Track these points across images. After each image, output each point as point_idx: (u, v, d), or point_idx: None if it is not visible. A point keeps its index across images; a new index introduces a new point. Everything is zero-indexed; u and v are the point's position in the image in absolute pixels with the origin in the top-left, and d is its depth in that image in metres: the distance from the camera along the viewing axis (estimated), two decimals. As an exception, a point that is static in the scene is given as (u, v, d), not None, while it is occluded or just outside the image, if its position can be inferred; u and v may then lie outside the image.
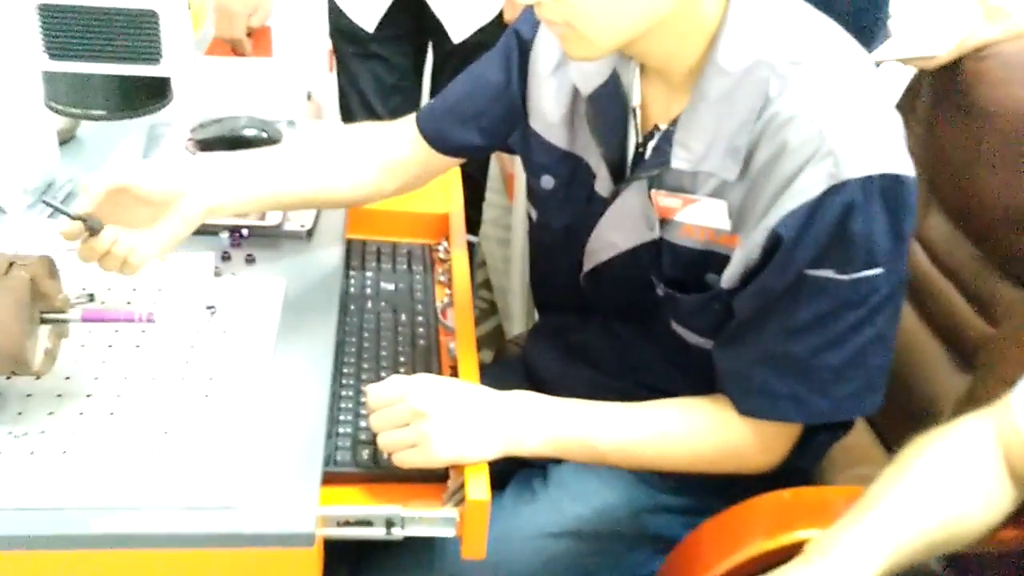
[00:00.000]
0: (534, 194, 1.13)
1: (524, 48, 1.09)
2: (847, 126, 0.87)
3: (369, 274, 1.25)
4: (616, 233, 1.04)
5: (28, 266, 0.80)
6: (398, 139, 1.15)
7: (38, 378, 0.85)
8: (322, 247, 1.20)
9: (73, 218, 0.83)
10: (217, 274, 1.10)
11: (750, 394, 0.96)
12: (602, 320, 1.14)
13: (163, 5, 0.65)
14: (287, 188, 1.08)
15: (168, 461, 0.82)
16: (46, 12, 0.64)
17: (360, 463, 0.93)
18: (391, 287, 1.23)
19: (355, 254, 1.27)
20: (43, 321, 0.82)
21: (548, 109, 1.07)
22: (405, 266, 1.28)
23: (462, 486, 0.93)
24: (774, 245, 0.89)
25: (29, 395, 0.88)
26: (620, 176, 1.02)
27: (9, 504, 0.77)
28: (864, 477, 1.19)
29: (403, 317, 1.17)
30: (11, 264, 0.80)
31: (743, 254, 0.93)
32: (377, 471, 0.94)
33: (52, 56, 0.66)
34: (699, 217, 0.96)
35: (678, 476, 1.08)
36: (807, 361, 0.92)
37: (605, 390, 1.02)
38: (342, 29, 1.93)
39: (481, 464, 0.92)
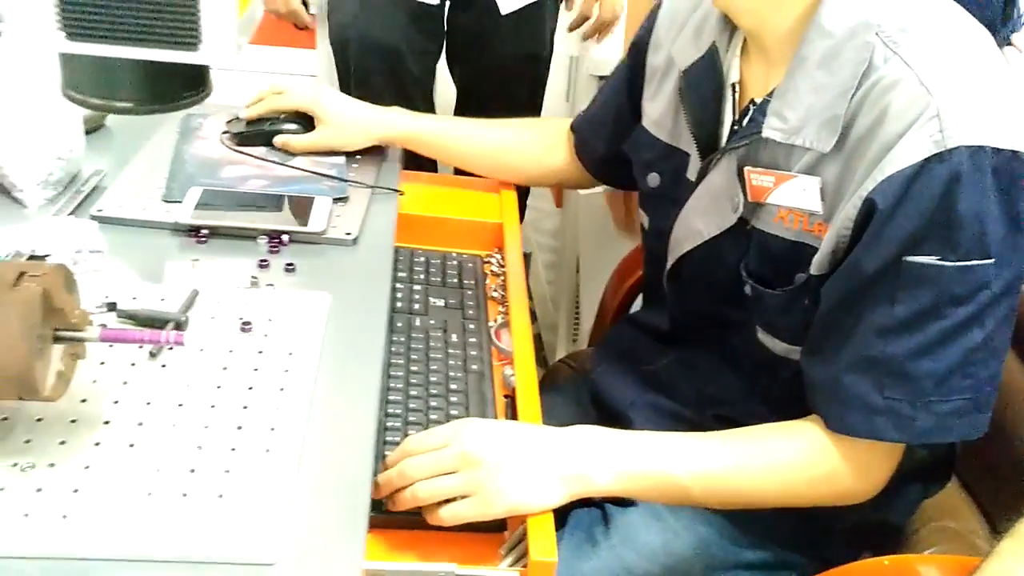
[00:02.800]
0: (644, 198, 1.10)
1: (640, 48, 1.11)
2: (958, 90, 0.78)
3: (417, 287, 1.14)
4: (700, 219, 0.97)
5: (41, 277, 0.70)
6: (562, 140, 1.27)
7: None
8: (369, 256, 1.09)
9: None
10: (253, 284, 1.00)
11: (842, 408, 0.84)
12: (681, 350, 1.06)
13: (206, -22, 0.54)
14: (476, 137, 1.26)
15: (194, 506, 0.71)
16: (66, -19, 0.53)
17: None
18: (440, 303, 1.12)
19: (402, 264, 1.16)
20: (56, 340, 0.72)
21: (656, 103, 1.06)
22: (455, 279, 1.18)
23: (522, 538, 0.82)
24: (867, 215, 0.80)
25: (39, 419, 0.77)
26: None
27: (8, 551, 0.67)
28: (950, 531, 1.08)
29: (454, 337, 1.06)
30: (21, 274, 0.70)
31: (834, 231, 0.83)
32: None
33: (70, 36, 0.56)
34: (792, 198, 0.87)
35: (758, 529, 0.98)
36: (905, 366, 0.81)
37: (682, 422, 0.92)
38: None
39: (545, 516, 0.81)
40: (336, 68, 1.77)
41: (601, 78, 1.68)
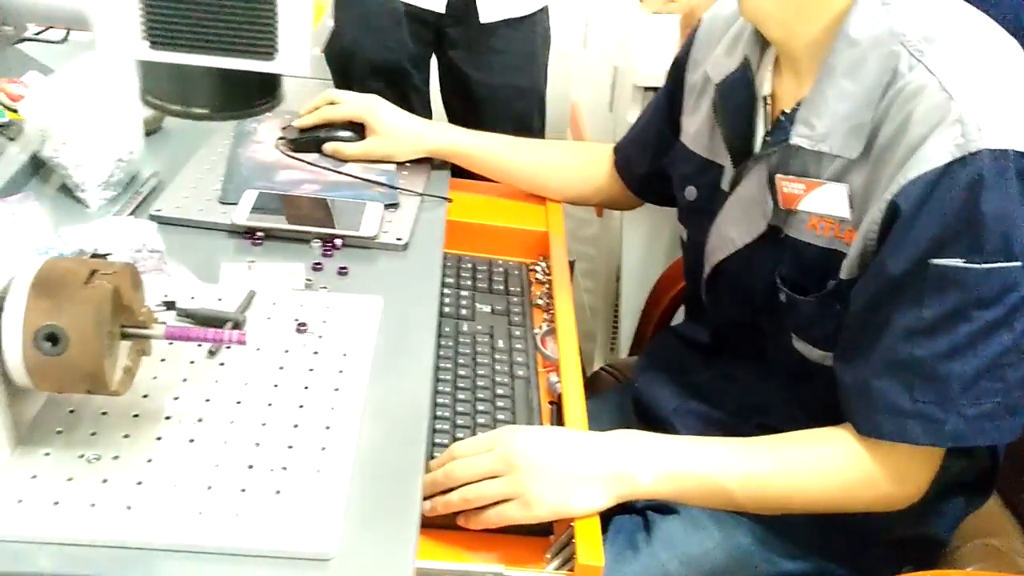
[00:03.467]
0: (682, 212, 1.12)
1: (679, 67, 1.14)
2: (981, 95, 0.80)
3: (464, 293, 1.16)
4: (733, 227, 1.00)
5: (112, 275, 0.72)
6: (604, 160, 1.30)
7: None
8: (418, 261, 1.11)
9: None
10: (308, 287, 1.02)
11: (872, 411, 0.86)
12: (721, 361, 1.08)
13: (286, -8, 0.56)
14: (516, 155, 1.29)
15: (253, 500, 0.73)
16: (151, -7, 0.56)
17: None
18: (487, 308, 1.14)
19: (449, 270, 1.18)
20: (124, 336, 0.75)
21: (693, 119, 1.09)
22: (501, 286, 1.19)
23: (568, 542, 0.83)
24: (891, 219, 0.82)
25: (104, 413, 0.80)
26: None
27: (77, 538, 0.69)
28: (993, 549, 1.08)
29: (500, 343, 1.08)
30: (93, 272, 0.72)
31: (861, 236, 0.85)
32: (474, 519, 0.85)
33: (153, 45, 0.58)
34: (822, 204, 0.90)
35: (799, 539, 0.99)
36: (934, 368, 0.82)
37: (725, 430, 0.93)
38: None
39: (592, 520, 0.83)
40: (332, 78, 1.78)
41: (646, 89, 1.69)
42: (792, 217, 0.93)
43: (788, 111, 0.95)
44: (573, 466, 0.83)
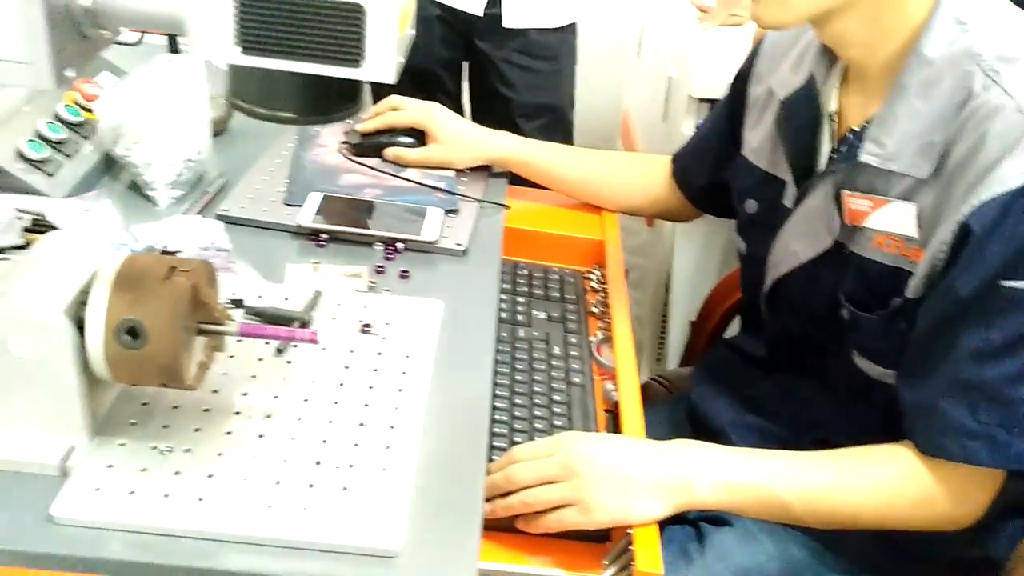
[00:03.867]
0: (741, 224, 1.12)
1: (742, 80, 1.14)
2: None
3: (520, 299, 1.17)
4: (797, 242, 1.00)
5: (190, 272, 0.74)
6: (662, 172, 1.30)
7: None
8: (477, 266, 1.12)
9: None
10: (371, 288, 1.04)
11: (937, 431, 0.85)
12: (778, 375, 1.08)
13: (373, 1, 0.58)
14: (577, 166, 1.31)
15: (320, 496, 0.75)
16: (244, 0, 0.58)
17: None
18: (542, 315, 1.15)
19: (505, 276, 1.20)
20: (199, 332, 0.77)
21: (755, 133, 1.09)
22: (557, 293, 1.20)
23: (625, 550, 0.84)
24: (963, 240, 0.82)
25: (176, 407, 0.82)
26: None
27: (151, 527, 0.72)
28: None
29: (556, 350, 1.09)
30: (172, 269, 0.74)
31: (929, 255, 0.85)
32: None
33: (245, 50, 0.60)
34: (889, 222, 0.89)
35: (853, 555, 0.98)
36: (1001, 390, 0.82)
37: (780, 444, 0.93)
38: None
39: (651, 528, 0.83)
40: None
41: (701, 100, 1.69)
42: (857, 234, 0.93)
43: (857, 128, 0.95)
44: (634, 474, 0.84)
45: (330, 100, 0.66)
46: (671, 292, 1.80)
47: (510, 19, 1.80)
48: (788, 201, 1.03)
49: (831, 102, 0.98)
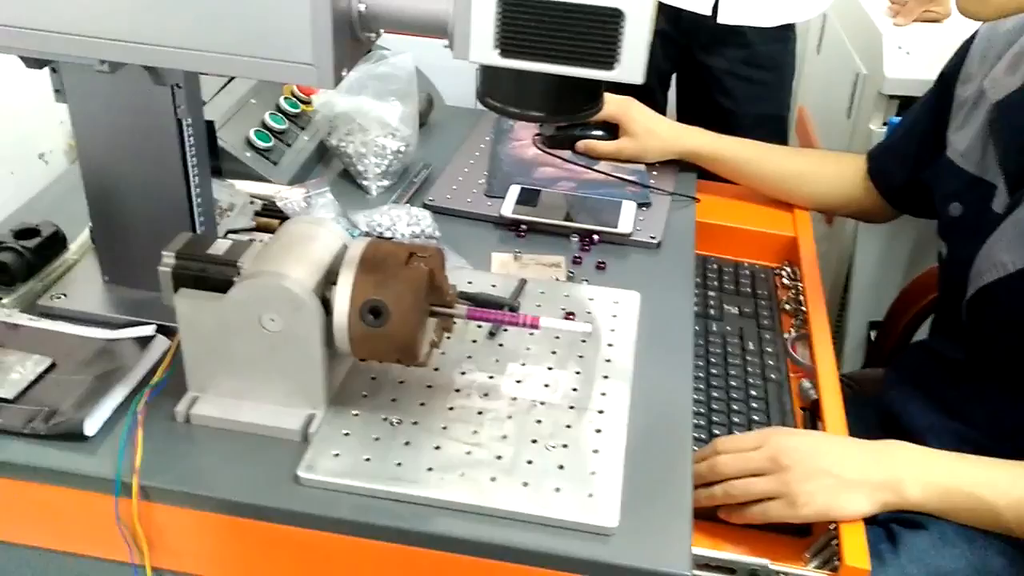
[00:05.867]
0: (943, 227, 1.10)
1: (948, 80, 1.12)
2: None
3: (712, 293, 1.19)
4: (1006, 251, 0.97)
5: (427, 258, 0.80)
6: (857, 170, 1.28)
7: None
8: (671, 259, 1.14)
9: None
10: (570, 278, 1.08)
11: None
12: (977, 380, 1.06)
13: (631, 5, 0.61)
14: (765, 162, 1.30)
15: (539, 472, 0.79)
16: (507, 4, 0.62)
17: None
18: (734, 310, 1.16)
19: (697, 269, 1.21)
20: (432, 314, 0.82)
21: (963, 134, 1.06)
22: (748, 288, 1.21)
23: (828, 544, 0.85)
24: None
25: (401, 382, 0.88)
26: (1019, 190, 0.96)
27: (386, 491, 0.77)
28: None
29: (750, 345, 1.10)
30: (411, 255, 0.80)
31: None
32: (733, 513, 0.88)
33: (503, 53, 0.64)
34: None
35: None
36: None
37: (977, 449, 0.91)
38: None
39: (858, 524, 0.84)
40: None
41: (891, 97, 1.65)
42: None
43: None
44: (844, 470, 0.84)
45: (576, 100, 0.70)
46: (850, 291, 1.77)
47: (726, 15, 1.71)
48: (999, 207, 1.00)
49: None
